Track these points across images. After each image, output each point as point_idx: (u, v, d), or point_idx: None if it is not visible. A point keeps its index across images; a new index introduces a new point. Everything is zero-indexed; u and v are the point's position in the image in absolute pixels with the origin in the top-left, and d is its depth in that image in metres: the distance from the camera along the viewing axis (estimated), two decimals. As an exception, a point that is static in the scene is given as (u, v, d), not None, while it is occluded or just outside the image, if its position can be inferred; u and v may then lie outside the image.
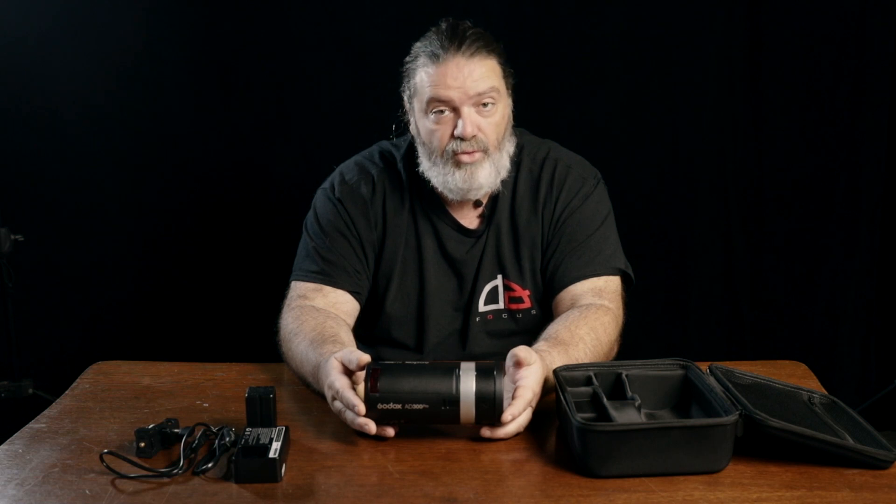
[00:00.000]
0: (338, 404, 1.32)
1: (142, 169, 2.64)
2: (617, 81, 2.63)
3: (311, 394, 1.48)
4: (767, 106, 2.67)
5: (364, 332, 1.76)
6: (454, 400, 1.26)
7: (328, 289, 1.66)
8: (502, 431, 1.29)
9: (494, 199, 1.72)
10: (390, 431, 1.30)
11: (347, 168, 1.77)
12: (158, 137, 2.62)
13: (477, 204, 1.72)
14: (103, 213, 2.64)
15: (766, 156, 2.69)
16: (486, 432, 1.29)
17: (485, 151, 1.62)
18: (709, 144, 2.68)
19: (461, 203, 1.71)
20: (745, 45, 2.64)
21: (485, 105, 1.60)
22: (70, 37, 2.53)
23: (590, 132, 2.59)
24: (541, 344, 1.49)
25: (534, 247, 1.71)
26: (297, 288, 1.68)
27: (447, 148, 1.61)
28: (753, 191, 2.71)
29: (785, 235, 2.73)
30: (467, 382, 1.26)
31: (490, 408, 1.26)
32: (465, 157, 1.61)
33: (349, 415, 1.29)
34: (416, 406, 1.26)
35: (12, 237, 2.44)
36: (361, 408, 1.27)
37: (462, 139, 1.59)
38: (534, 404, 1.32)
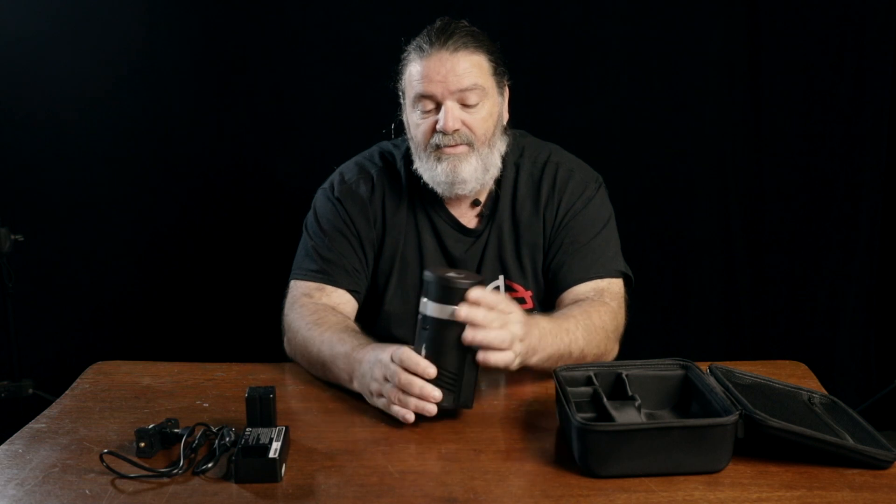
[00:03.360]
0: (390, 386, 1.33)
1: (142, 169, 2.63)
2: (616, 83, 2.63)
3: (311, 394, 1.48)
4: (767, 106, 2.67)
5: (364, 330, 1.76)
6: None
7: (329, 288, 1.67)
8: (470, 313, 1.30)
9: (495, 199, 1.73)
10: (411, 417, 1.32)
11: (347, 168, 1.78)
12: (158, 137, 2.62)
13: (475, 203, 1.73)
14: (103, 213, 2.64)
15: (766, 156, 2.69)
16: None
17: (469, 145, 1.63)
18: (709, 144, 2.68)
19: (459, 201, 1.72)
20: (745, 45, 2.64)
21: (469, 100, 1.61)
22: (70, 37, 2.53)
23: (590, 134, 2.59)
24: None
25: (535, 248, 1.72)
26: (299, 287, 1.68)
27: (431, 142, 1.63)
28: (753, 191, 2.71)
29: (785, 236, 2.73)
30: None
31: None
32: (447, 150, 1.63)
33: (400, 396, 1.31)
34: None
35: (12, 237, 2.44)
36: (432, 369, 1.30)
37: (444, 133, 1.61)
38: (502, 308, 1.34)
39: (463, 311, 1.30)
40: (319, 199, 1.76)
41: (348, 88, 2.58)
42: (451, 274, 1.33)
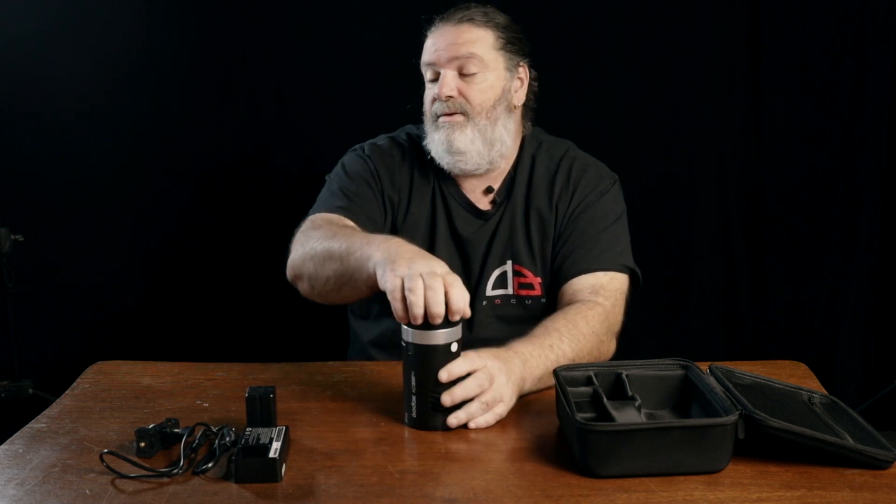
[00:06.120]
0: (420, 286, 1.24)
1: (142, 169, 2.64)
2: (617, 84, 2.63)
3: (311, 394, 1.48)
4: (767, 106, 2.67)
5: (371, 306, 1.76)
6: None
7: (350, 222, 1.64)
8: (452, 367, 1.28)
9: (509, 187, 1.75)
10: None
11: (379, 139, 1.82)
12: (158, 137, 2.62)
13: (488, 190, 1.75)
14: (103, 213, 2.64)
15: (766, 156, 2.69)
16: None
17: (465, 115, 1.65)
18: (709, 144, 2.68)
19: (472, 185, 1.74)
20: (745, 45, 2.64)
21: (466, 69, 1.65)
22: (70, 37, 2.53)
23: (589, 134, 2.56)
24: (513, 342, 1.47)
25: (545, 238, 1.73)
26: (319, 215, 1.65)
27: (432, 110, 1.68)
28: (754, 191, 2.71)
29: (785, 236, 2.73)
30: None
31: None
32: (443, 119, 1.66)
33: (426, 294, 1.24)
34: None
35: (12, 237, 2.44)
36: (467, 311, 1.26)
37: (439, 99, 1.65)
38: (478, 365, 1.31)
39: (447, 399, 1.28)
40: (348, 156, 1.80)
41: (348, 88, 2.58)
42: None
